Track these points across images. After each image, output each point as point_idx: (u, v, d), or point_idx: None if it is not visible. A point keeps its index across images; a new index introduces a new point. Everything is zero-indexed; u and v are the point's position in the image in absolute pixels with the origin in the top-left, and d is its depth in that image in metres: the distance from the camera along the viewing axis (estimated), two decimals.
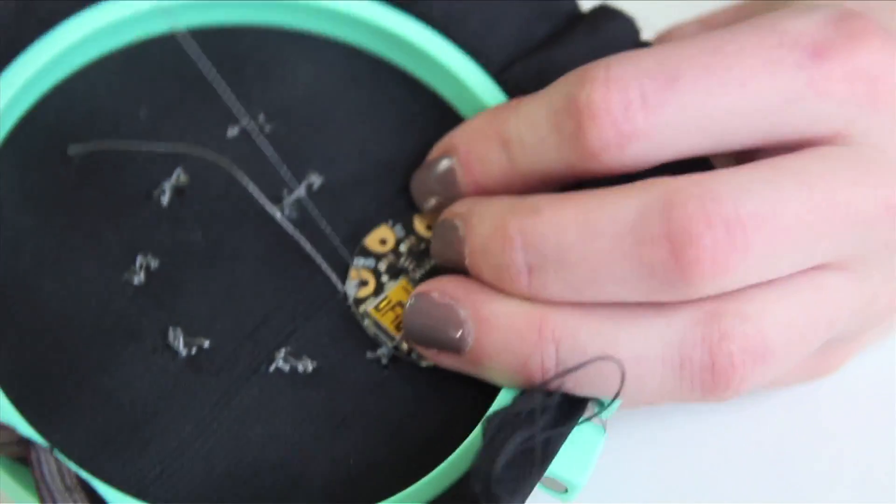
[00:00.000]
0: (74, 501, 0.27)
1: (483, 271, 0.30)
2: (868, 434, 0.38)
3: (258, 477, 0.31)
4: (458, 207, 0.32)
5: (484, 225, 0.30)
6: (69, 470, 0.28)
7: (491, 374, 0.31)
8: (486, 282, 0.30)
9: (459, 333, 0.30)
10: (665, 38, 0.37)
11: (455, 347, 0.30)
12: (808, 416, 0.38)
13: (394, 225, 0.34)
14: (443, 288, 0.31)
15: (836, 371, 0.36)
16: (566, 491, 0.31)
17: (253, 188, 0.32)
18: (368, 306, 0.33)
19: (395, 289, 0.33)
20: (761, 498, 0.37)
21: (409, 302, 0.31)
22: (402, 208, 0.34)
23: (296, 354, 0.32)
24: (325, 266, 0.33)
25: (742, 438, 0.38)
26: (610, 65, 0.30)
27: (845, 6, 0.30)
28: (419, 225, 0.34)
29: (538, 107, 0.31)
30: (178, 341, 0.31)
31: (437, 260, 0.33)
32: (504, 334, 0.30)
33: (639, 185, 0.29)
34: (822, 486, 0.37)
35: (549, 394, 0.29)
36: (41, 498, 0.27)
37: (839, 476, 0.37)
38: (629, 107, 0.29)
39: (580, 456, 0.30)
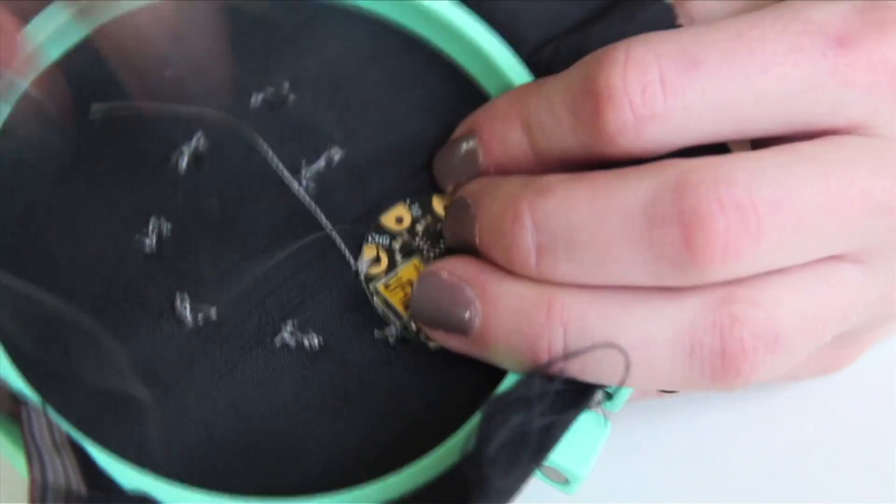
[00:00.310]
0: (62, 460, 0.27)
1: (493, 251, 0.30)
2: (876, 431, 0.38)
3: (256, 449, 0.30)
4: (472, 186, 0.31)
5: (495, 204, 0.30)
6: (60, 429, 0.28)
7: (498, 357, 0.30)
8: (496, 262, 0.30)
9: (467, 314, 0.30)
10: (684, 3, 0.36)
11: (462, 328, 0.30)
12: (814, 413, 0.38)
13: (411, 204, 0.33)
14: (451, 267, 0.30)
15: (848, 367, 0.35)
16: (567, 483, 0.30)
17: (271, 157, 0.32)
18: (378, 283, 0.32)
19: (406, 267, 0.32)
20: (768, 495, 0.36)
21: (417, 281, 0.31)
22: (421, 187, 0.34)
23: (302, 328, 0.32)
24: (338, 240, 0.32)
25: (749, 435, 0.37)
26: (630, 46, 0.29)
27: None
28: (437, 205, 0.33)
29: (558, 88, 0.30)
30: (185, 308, 0.31)
31: (449, 240, 0.32)
32: (511, 315, 0.29)
33: (652, 167, 0.28)
34: (827, 483, 0.36)
35: (551, 379, 0.29)
36: (28, 454, 0.27)
37: (845, 473, 0.37)
38: (647, 89, 0.28)
39: (582, 447, 0.30)
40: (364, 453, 0.31)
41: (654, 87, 0.28)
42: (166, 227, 0.32)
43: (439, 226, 0.33)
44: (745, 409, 0.37)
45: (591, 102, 0.29)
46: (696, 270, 0.27)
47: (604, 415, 0.30)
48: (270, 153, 0.32)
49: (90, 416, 0.30)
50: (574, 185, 0.29)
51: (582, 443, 0.30)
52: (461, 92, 0.35)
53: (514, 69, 0.34)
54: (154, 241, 0.32)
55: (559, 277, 0.29)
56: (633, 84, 0.28)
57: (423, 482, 0.29)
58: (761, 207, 0.27)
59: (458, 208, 0.31)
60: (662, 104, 0.28)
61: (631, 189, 0.28)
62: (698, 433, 0.37)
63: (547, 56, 0.34)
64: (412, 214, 0.33)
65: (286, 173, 0.32)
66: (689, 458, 0.37)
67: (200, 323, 0.31)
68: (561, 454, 0.29)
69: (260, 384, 0.31)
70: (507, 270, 0.30)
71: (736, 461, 0.37)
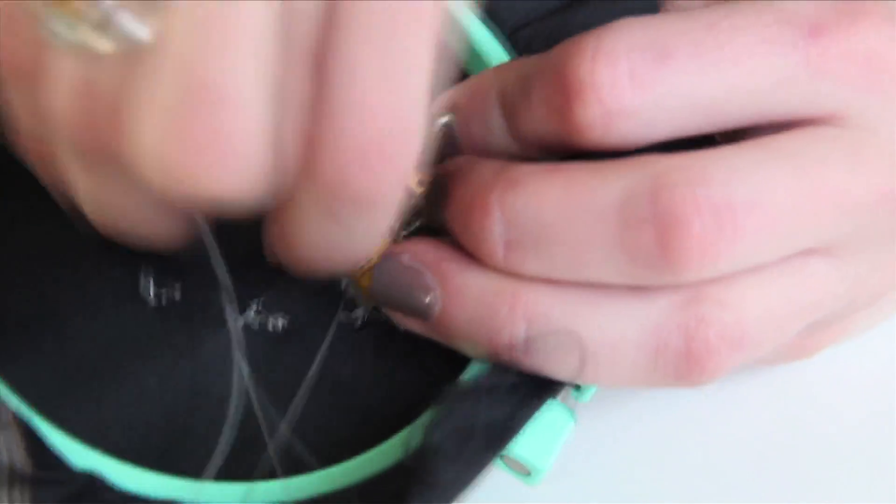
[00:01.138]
0: (5, 438, 0.27)
1: (461, 239, 0.29)
2: (855, 415, 0.37)
3: (214, 433, 0.30)
4: (451, 165, 0.31)
5: (466, 191, 0.29)
6: (5, 407, 0.27)
7: (457, 344, 0.30)
8: (464, 248, 0.29)
9: (427, 299, 0.29)
10: None
11: (422, 313, 0.29)
12: (788, 399, 0.37)
13: None
14: (414, 251, 0.30)
15: (816, 354, 0.35)
16: (529, 475, 0.29)
17: None
18: None
19: (375, 250, 0.32)
20: (749, 487, 0.35)
21: (378, 263, 0.30)
22: None
23: (268, 308, 0.31)
24: None
25: (722, 421, 0.36)
26: (600, 37, 0.28)
27: None
28: (410, 180, 0.33)
29: (533, 73, 0.30)
30: (149, 287, 0.31)
31: (427, 218, 0.32)
32: (473, 306, 0.29)
33: (627, 163, 0.27)
34: (805, 470, 0.36)
35: (505, 370, 0.28)
36: None
37: (822, 460, 0.36)
38: (616, 83, 0.27)
39: (545, 439, 0.29)
40: (322, 439, 0.30)
41: (623, 82, 0.27)
42: None
43: (412, 201, 0.32)
44: (718, 396, 0.36)
45: (561, 94, 0.28)
46: (670, 273, 0.27)
47: (571, 406, 0.29)
48: None
49: (47, 395, 0.30)
50: (546, 178, 0.28)
51: (545, 435, 0.29)
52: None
53: (491, 48, 0.33)
54: None
55: (526, 272, 0.28)
56: (602, 77, 0.27)
57: (374, 472, 0.29)
58: (738, 209, 0.26)
59: (434, 189, 0.30)
60: (631, 99, 0.27)
61: (605, 187, 0.27)
62: (671, 419, 0.36)
63: (525, 38, 0.33)
64: None
65: None
66: (663, 446, 0.36)
67: (164, 301, 0.31)
68: (522, 446, 0.29)
69: (221, 368, 0.30)
70: (474, 258, 0.29)
71: (709, 448, 0.36)
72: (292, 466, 0.29)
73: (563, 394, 0.30)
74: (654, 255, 0.26)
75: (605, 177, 0.27)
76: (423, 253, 0.30)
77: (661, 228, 0.26)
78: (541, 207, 0.27)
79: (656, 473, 0.36)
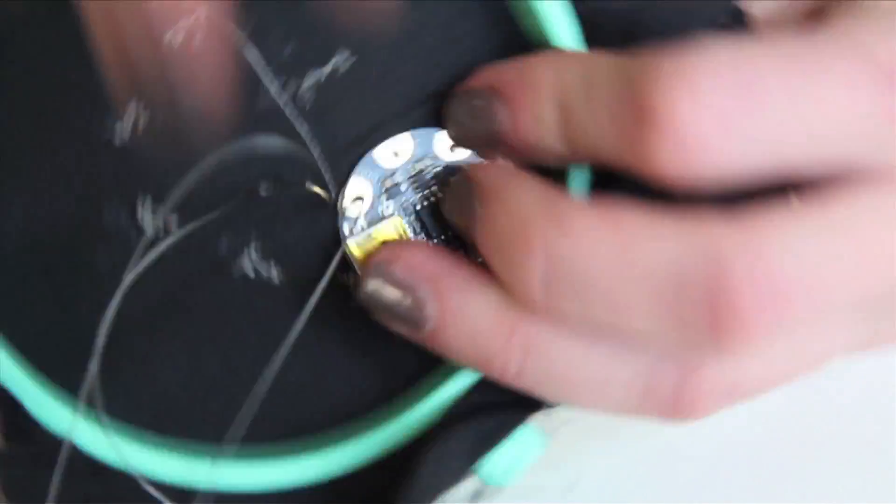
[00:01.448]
0: None
1: (494, 265, 0.28)
2: (857, 421, 0.38)
3: (196, 397, 0.30)
4: (483, 175, 0.29)
5: (506, 219, 0.27)
6: None
7: (448, 357, 0.29)
8: (491, 269, 0.28)
9: (421, 313, 0.28)
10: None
11: (413, 324, 0.29)
12: (791, 400, 0.37)
13: (414, 138, 0.30)
14: (410, 261, 0.29)
15: None
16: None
17: (256, 59, 0.29)
18: (351, 240, 0.30)
19: (382, 227, 0.30)
20: (747, 485, 0.37)
21: (366, 269, 0.29)
22: (426, 115, 0.30)
23: (265, 254, 0.30)
24: (323, 167, 0.30)
25: (722, 421, 0.37)
26: (682, 62, 0.26)
27: None
28: (439, 144, 0.31)
29: (602, 80, 0.27)
30: (147, 218, 0.29)
31: (447, 217, 0.30)
32: (469, 330, 0.28)
33: (684, 226, 0.26)
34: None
35: (493, 387, 0.29)
36: None
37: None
38: (700, 123, 0.25)
39: (513, 459, 0.30)
40: (310, 405, 0.30)
41: (707, 122, 0.25)
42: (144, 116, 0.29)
43: (434, 171, 0.31)
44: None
45: (635, 118, 0.26)
46: (713, 347, 0.26)
47: (543, 429, 0.30)
48: (253, 52, 0.28)
49: (36, 345, 0.29)
50: (598, 227, 0.26)
51: (514, 455, 0.30)
52: (496, 19, 0.31)
53: (555, 17, 0.29)
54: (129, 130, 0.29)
55: (561, 314, 0.27)
56: (684, 113, 0.25)
57: (354, 462, 0.29)
58: (795, 291, 0.26)
59: (463, 193, 0.29)
60: (716, 142, 0.26)
61: (660, 248, 0.26)
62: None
63: (589, 11, 0.30)
64: (412, 151, 0.30)
65: (273, 85, 0.29)
66: (659, 444, 0.37)
67: (161, 235, 0.30)
68: (491, 462, 0.29)
69: (209, 319, 0.30)
70: (476, 271, 0.28)
71: (705, 446, 0.37)
72: (268, 442, 0.30)
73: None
74: (701, 330, 0.26)
75: (660, 236, 0.26)
76: (423, 264, 0.29)
77: (714, 306, 0.26)
78: (588, 258, 0.26)
79: (652, 471, 0.37)
